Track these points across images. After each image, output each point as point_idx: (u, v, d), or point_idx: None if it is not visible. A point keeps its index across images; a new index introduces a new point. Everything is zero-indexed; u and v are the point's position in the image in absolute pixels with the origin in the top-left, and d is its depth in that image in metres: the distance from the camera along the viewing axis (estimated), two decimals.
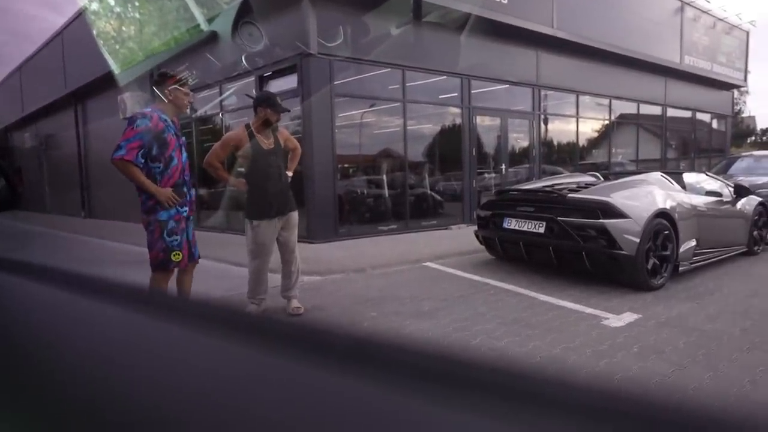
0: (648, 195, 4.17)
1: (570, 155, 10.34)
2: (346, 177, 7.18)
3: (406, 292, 4.02)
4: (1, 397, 0.38)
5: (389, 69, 7.13)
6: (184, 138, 2.99)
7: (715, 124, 14.84)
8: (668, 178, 4.70)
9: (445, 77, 7.80)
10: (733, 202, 5.15)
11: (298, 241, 3.53)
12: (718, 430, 0.21)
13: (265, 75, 7.09)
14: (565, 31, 8.72)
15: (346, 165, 7.21)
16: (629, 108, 11.53)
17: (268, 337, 0.36)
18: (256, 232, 3.26)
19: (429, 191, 7.91)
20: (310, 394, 0.28)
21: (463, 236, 6.49)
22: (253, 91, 7.08)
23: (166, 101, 2.81)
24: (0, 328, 0.48)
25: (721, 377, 2.33)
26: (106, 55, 8.05)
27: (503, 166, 8.82)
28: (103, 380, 0.35)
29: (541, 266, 4.58)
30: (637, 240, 3.80)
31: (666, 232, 4.04)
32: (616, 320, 3.17)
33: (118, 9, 8.44)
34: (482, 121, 8.51)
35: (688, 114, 13.40)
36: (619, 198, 3.99)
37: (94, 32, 8.53)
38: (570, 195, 4.21)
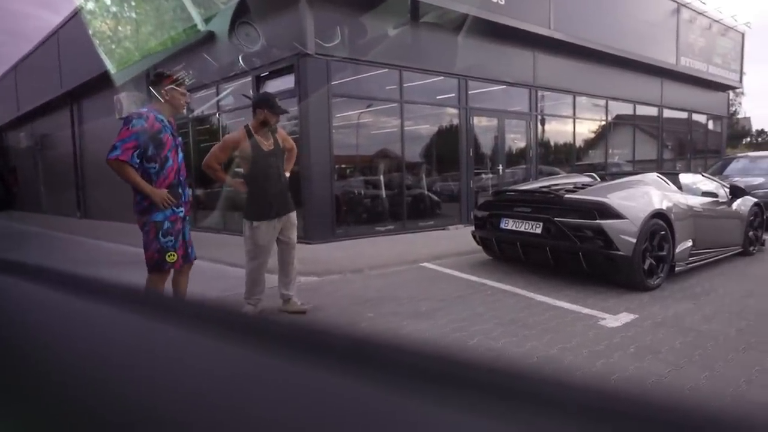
0: (644, 196, 4.18)
1: (567, 156, 10.37)
2: (344, 177, 7.18)
3: (404, 293, 4.02)
4: None
5: (386, 69, 7.14)
6: (180, 138, 2.98)
7: (710, 125, 14.91)
8: (664, 178, 4.72)
9: (442, 78, 7.81)
10: (729, 203, 5.18)
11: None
12: (715, 429, 0.21)
13: (262, 75, 7.08)
14: (562, 32, 8.75)
15: (343, 165, 7.20)
16: (626, 109, 11.57)
17: (264, 337, 0.36)
18: (255, 233, 3.25)
19: (426, 192, 7.92)
20: (307, 395, 0.28)
21: (461, 237, 6.50)
22: (250, 91, 7.07)
23: (163, 101, 2.80)
24: None
25: (717, 377, 2.35)
26: (102, 55, 8.02)
27: (500, 167, 8.84)
28: (98, 381, 0.35)
29: (538, 267, 4.59)
30: (634, 240, 3.81)
31: (662, 232, 4.06)
32: (613, 320, 3.18)
33: (114, 8, 8.41)
34: (479, 122, 8.52)
35: (684, 115, 13.46)
36: (615, 199, 4.01)
37: (90, 31, 8.50)
38: (567, 196, 4.22)
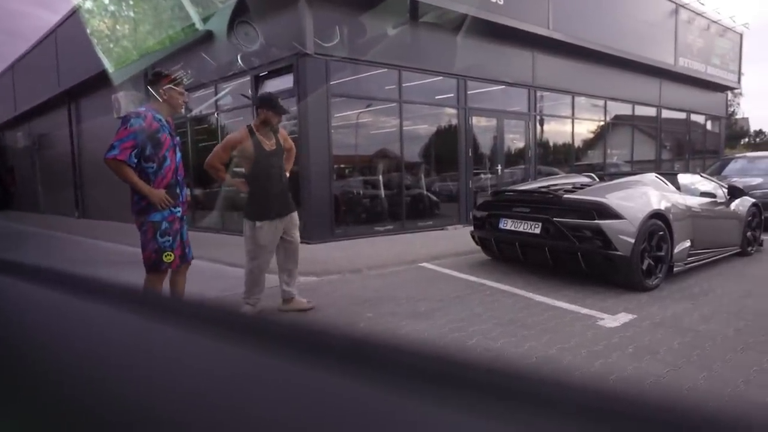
0: (643, 196, 4.19)
1: (565, 156, 10.38)
2: (343, 177, 7.18)
3: (403, 293, 4.02)
4: None
5: (386, 69, 7.14)
6: (178, 138, 2.97)
7: (709, 126, 14.95)
8: (663, 179, 4.73)
9: (441, 78, 7.81)
10: (727, 203, 5.19)
11: None
12: (713, 429, 0.21)
13: (261, 75, 7.08)
14: (561, 33, 8.76)
15: (342, 165, 7.20)
16: (624, 109, 11.59)
17: (263, 337, 0.36)
18: (257, 234, 3.25)
19: (425, 192, 7.92)
20: (306, 395, 0.28)
21: (460, 237, 6.50)
22: (249, 91, 7.06)
23: (161, 101, 2.79)
24: None
25: (715, 377, 2.35)
26: (100, 54, 8.01)
27: (499, 167, 8.84)
28: (96, 381, 0.35)
29: (537, 267, 4.60)
30: (632, 241, 3.82)
31: (661, 232, 4.07)
32: (611, 321, 3.19)
33: (112, 7, 8.40)
34: (478, 122, 8.53)
35: (682, 115, 13.49)
36: (614, 199, 4.01)
37: (88, 30, 8.48)
38: (565, 196, 4.23)
